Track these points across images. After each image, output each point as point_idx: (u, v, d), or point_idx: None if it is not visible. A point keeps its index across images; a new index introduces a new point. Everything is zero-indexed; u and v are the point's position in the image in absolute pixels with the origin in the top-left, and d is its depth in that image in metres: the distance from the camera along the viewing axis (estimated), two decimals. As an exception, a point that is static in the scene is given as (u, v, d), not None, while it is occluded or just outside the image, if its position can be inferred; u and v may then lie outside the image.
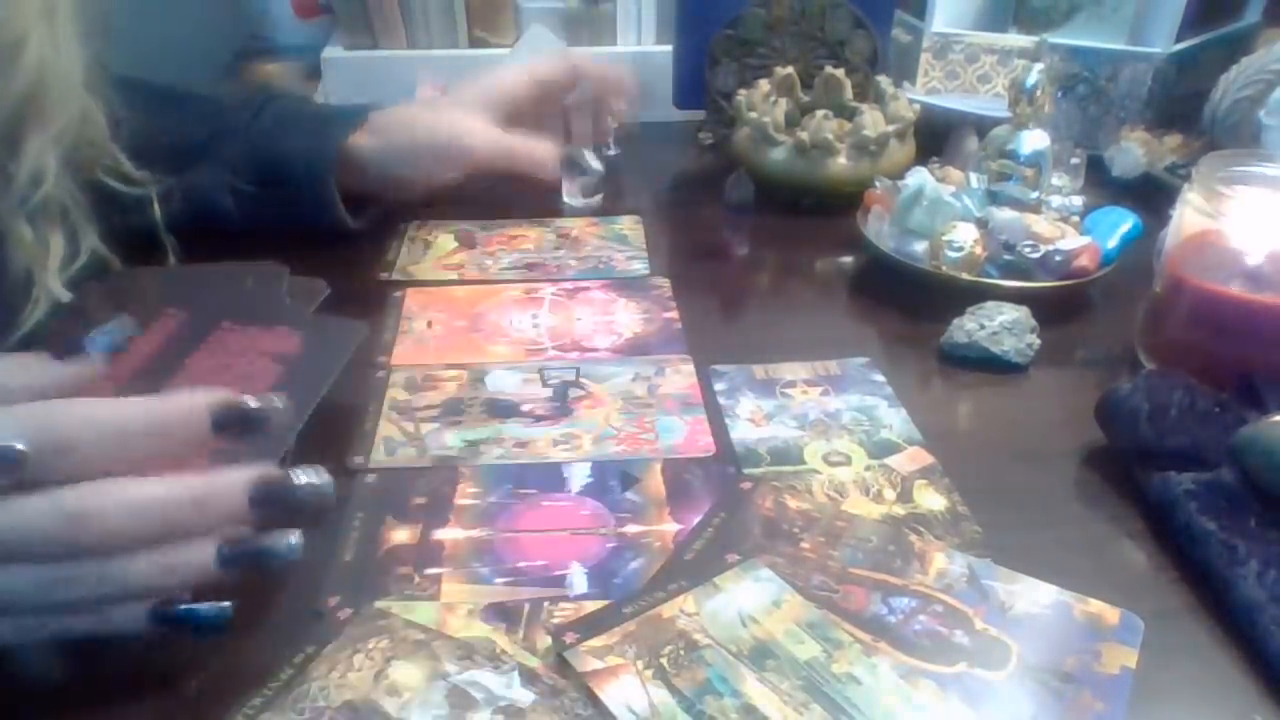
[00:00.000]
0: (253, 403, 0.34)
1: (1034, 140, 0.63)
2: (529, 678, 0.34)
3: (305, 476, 0.34)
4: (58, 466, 0.31)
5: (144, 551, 0.32)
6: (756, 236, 0.70)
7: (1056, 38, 0.83)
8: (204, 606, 0.33)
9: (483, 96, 0.68)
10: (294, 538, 0.34)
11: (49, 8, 0.48)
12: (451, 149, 0.67)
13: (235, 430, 0.33)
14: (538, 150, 0.69)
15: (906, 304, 0.60)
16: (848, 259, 0.68)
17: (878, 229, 0.64)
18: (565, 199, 0.76)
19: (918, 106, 0.76)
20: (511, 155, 0.68)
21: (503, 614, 0.37)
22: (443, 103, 0.70)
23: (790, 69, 0.79)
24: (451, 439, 0.48)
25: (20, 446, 0.30)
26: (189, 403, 0.33)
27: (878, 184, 0.67)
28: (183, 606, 0.33)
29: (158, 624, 0.33)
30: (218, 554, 0.33)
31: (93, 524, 0.31)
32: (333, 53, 0.91)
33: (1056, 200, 0.64)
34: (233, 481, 0.33)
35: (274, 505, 0.33)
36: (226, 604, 0.34)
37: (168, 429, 0.33)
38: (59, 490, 0.31)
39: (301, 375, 0.46)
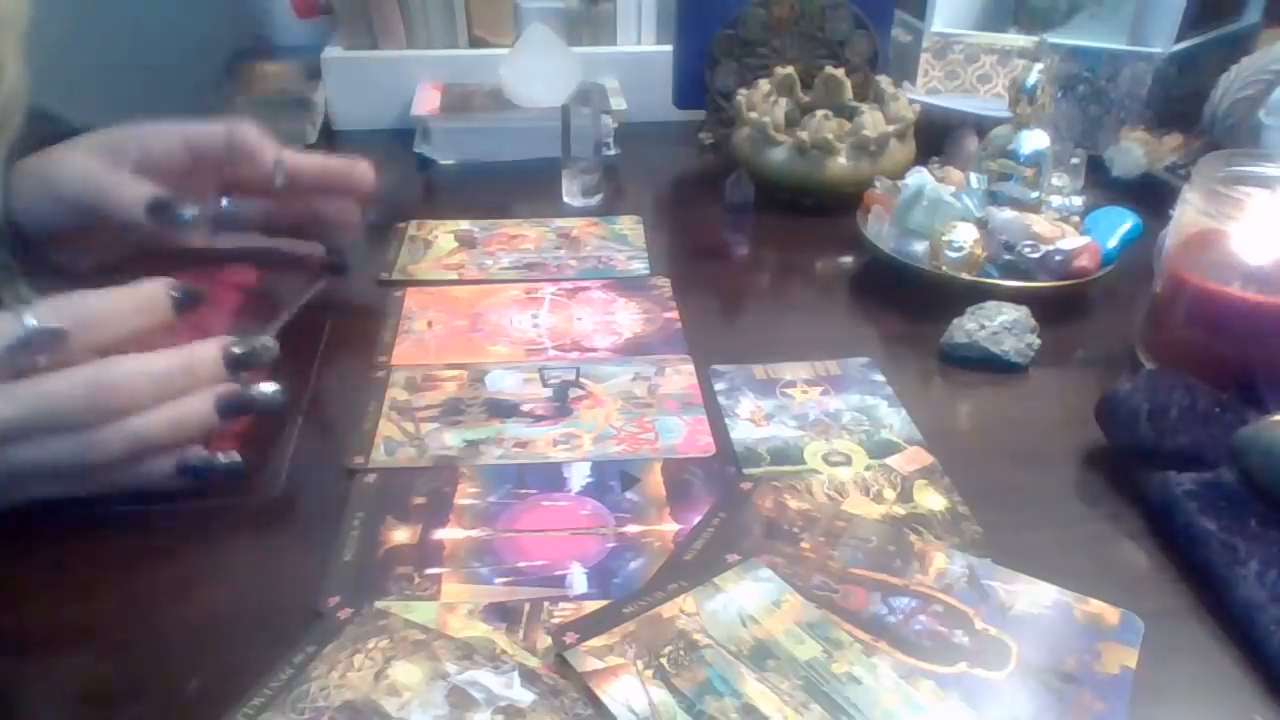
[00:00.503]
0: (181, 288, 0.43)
1: (1034, 140, 0.63)
2: (529, 678, 0.34)
3: (257, 339, 0.44)
4: (79, 344, 0.39)
5: (156, 411, 0.40)
6: (756, 236, 0.70)
7: (1056, 38, 0.83)
8: (219, 457, 0.42)
9: (112, 140, 0.55)
10: (272, 387, 0.44)
11: (26, 35, 0.48)
12: (43, 183, 0.54)
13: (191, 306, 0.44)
14: (126, 190, 0.52)
15: (906, 304, 0.60)
16: (848, 259, 0.68)
17: (878, 229, 0.64)
18: (565, 199, 0.76)
19: (918, 106, 0.76)
20: (99, 191, 0.53)
21: (503, 614, 0.37)
22: (73, 143, 0.56)
23: (790, 69, 0.79)
24: (451, 439, 0.48)
25: (63, 326, 0.38)
26: (158, 285, 0.43)
27: (878, 184, 0.67)
28: (201, 457, 0.42)
29: (183, 476, 0.41)
30: (215, 403, 0.42)
31: (113, 392, 0.39)
32: (333, 53, 0.91)
33: (1056, 200, 0.64)
34: (210, 349, 0.42)
35: (241, 362, 0.43)
36: (236, 457, 0.43)
37: (147, 307, 0.42)
38: (80, 367, 0.39)
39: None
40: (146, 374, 0.40)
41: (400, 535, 0.42)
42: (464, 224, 0.72)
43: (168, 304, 0.43)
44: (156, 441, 0.40)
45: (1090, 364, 0.56)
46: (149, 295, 0.42)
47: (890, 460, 0.47)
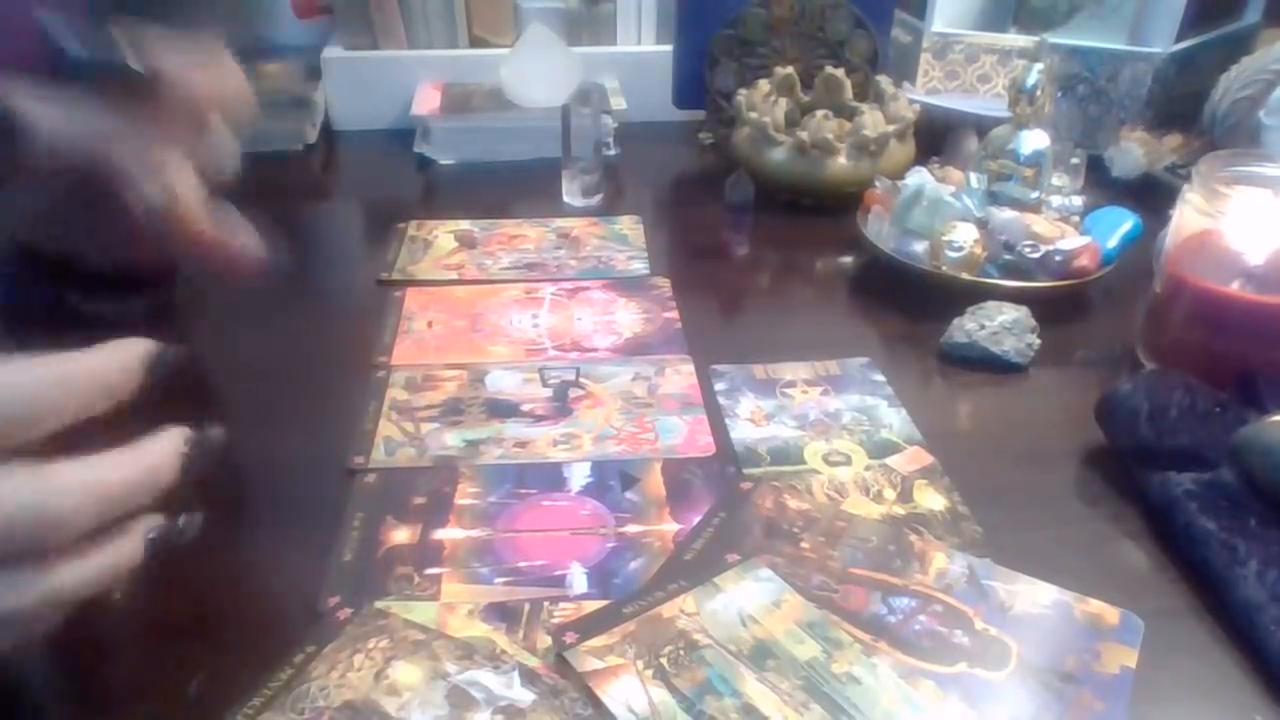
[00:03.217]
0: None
1: (1034, 140, 0.63)
2: (529, 678, 0.34)
3: (210, 432, 0.32)
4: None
5: (86, 561, 0.29)
6: (756, 236, 0.70)
7: (1056, 38, 0.83)
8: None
9: None
10: (197, 519, 0.32)
11: None
12: None
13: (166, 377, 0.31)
14: None
15: (906, 304, 0.60)
16: (848, 259, 0.68)
17: (878, 229, 0.64)
18: (565, 199, 0.76)
19: (918, 106, 0.76)
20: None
21: (503, 614, 0.37)
22: None
23: (790, 69, 0.79)
24: (451, 439, 0.48)
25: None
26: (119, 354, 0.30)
27: (878, 184, 0.67)
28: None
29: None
30: (148, 547, 0.30)
31: (55, 524, 0.28)
32: (333, 53, 0.91)
33: (1056, 200, 0.64)
34: (166, 449, 0.30)
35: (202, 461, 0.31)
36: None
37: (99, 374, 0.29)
38: (13, 476, 0.27)
39: None
40: (95, 495, 0.28)
41: (400, 535, 0.42)
42: (464, 224, 0.72)
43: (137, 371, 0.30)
44: (73, 598, 0.29)
45: (1090, 364, 0.56)
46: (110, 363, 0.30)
47: (890, 460, 0.47)
